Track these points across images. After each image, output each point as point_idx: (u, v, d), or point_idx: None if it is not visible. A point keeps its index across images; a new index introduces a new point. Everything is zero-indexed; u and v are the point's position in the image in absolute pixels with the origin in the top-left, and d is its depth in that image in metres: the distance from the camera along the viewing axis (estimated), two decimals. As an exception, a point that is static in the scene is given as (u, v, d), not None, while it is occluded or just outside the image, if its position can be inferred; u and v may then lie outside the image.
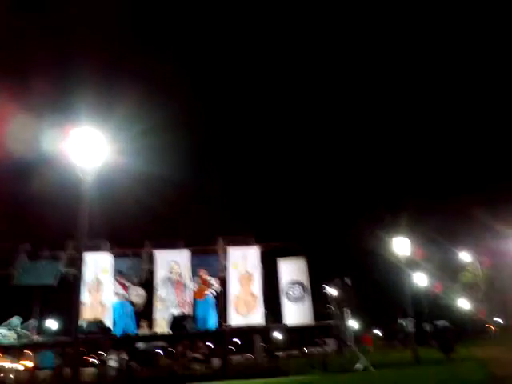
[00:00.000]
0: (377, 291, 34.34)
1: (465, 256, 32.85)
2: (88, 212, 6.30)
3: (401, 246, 13.76)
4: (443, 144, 45.61)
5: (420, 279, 27.08)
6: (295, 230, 32.32)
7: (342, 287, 11.35)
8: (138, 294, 13.96)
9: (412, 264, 19.21)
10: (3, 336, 12.11)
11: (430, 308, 26.29)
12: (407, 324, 14.15)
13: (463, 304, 34.44)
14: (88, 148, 5.93)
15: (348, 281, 11.46)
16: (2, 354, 15.19)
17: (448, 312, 29.19)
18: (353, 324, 13.78)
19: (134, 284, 14.21)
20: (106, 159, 6.28)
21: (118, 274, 14.00)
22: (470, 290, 33.19)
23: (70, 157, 5.95)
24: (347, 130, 51.19)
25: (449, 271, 32.55)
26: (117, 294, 13.68)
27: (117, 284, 13.74)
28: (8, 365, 14.16)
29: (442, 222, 29.70)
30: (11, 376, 12.90)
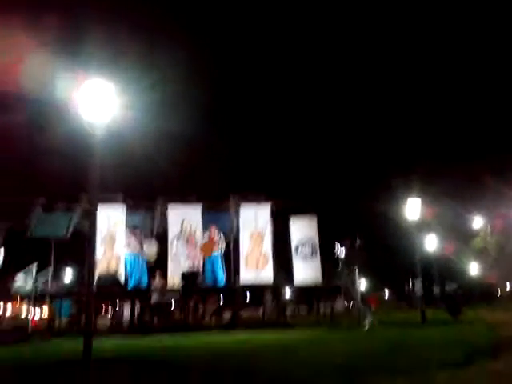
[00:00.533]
0: (387, 253, 34.52)
1: (476, 221, 32.71)
2: (99, 165, 6.30)
3: (412, 208, 13.70)
4: (458, 107, 44.53)
5: (431, 242, 27.10)
6: (307, 189, 32.27)
7: (351, 247, 11.41)
8: (150, 248, 14.20)
9: (423, 227, 19.19)
10: (21, 285, 12.50)
11: (439, 271, 26.42)
12: (416, 285, 14.25)
13: (473, 268, 34.56)
14: (98, 101, 5.87)
15: (358, 241, 11.52)
16: (21, 302, 15.72)
17: (458, 276, 29.33)
18: (361, 284, 13.91)
19: (147, 238, 14.43)
20: (116, 112, 6.23)
21: (132, 227, 14.19)
22: (480, 255, 33.23)
23: (80, 109, 5.90)
24: (361, 90, 50.09)
25: (460, 236, 32.47)
26: (130, 246, 13.88)
27: (130, 237, 13.94)
28: (26, 313, 14.68)
29: (454, 186, 29.42)
30: (30, 324, 13.36)
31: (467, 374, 4.26)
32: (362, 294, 12.62)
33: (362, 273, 13.07)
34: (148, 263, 14.31)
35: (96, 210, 6.49)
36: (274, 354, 6.38)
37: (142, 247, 14.08)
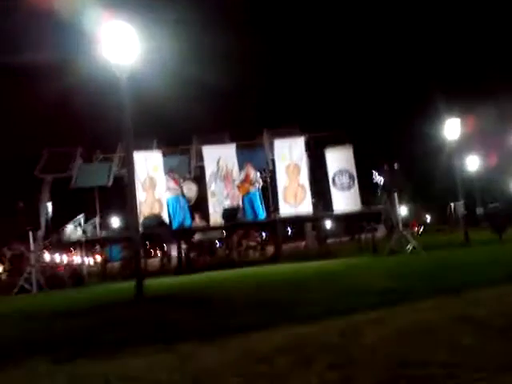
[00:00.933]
0: (426, 176, 33.95)
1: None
2: (131, 111, 6.33)
3: (452, 128, 13.24)
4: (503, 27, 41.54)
5: (472, 162, 26.43)
6: (341, 118, 31.64)
7: (390, 172, 11.23)
8: (189, 189, 14.43)
9: (463, 147, 18.62)
10: (71, 233, 13.09)
11: (481, 191, 25.91)
12: (459, 207, 14.04)
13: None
14: (121, 42, 5.80)
15: (396, 166, 11.31)
16: (74, 250, 16.53)
17: (501, 195, 28.66)
18: (402, 209, 13.80)
19: (186, 179, 14.64)
20: (141, 56, 6.16)
21: (170, 170, 14.39)
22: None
23: (104, 50, 5.86)
24: (396, 13, 47.33)
25: (502, 154, 31.45)
26: (170, 189, 14.13)
27: (169, 180, 14.16)
28: (80, 259, 15.48)
29: (496, 103, 28.16)
30: (84, 269, 14.12)
31: (510, 289, 4.25)
32: (403, 219, 12.57)
33: (402, 197, 12.96)
34: (189, 204, 14.61)
35: (132, 153, 6.57)
36: (317, 282, 6.53)
37: (181, 189, 14.30)
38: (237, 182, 14.40)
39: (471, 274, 5.21)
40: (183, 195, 14.27)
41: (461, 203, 13.89)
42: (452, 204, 24.15)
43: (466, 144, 19.73)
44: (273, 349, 2.96)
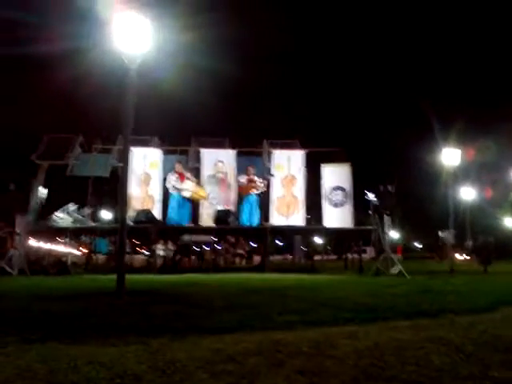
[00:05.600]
0: (420, 202, 34.10)
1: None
2: (135, 103, 6.35)
3: (450, 156, 13.35)
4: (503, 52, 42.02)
5: (466, 193, 26.51)
6: (341, 136, 31.84)
7: (384, 194, 11.28)
8: (189, 188, 14.10)
9: (459, 177, 18.74)
10: (60, 219, 13.01)
11: (473, 223, 26.02)
12: (447, 236, 14.11)
13: (509, 223, 33.80)
14: (133, 33, 5.84)
15: (391, 188, 11.36)
16: (60, 237, 16.42)
17: (492, 228, 28.77)
18: (392, 233, 13.85)
19: (188, 179, 14.30)
20: (151, 48, 6.20)
21: (178, 161, 14.20)
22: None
23: (116, 43, 5.89)
24: (397, 33, 47.82)
25: (498, 188, 31.63)
26: (171, 185, 13.86)
27: (174, 175, 13.98)
28: (66, 249, 15.40)
29: (495, 136, 28.43)
30: (69, 259, 14.03)
31: (486, 318, 4.30)
32: (391, 242, 12.60)
33: (394, 222, 12.99)
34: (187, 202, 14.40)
35: (128, 145, 6.55)
36: (297, 292, 6.55)
37: (183, 186, 13.97)
38: (241, 181, 14.28)
39: (450, 301, 5.25)
40: (183, 194, 13.92)
41: (450, 232, 13.96)
42: (442, 233, 24.26)
43: (462, 174, 19.88)
44: (244, 350, 2.97)
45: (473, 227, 25.44)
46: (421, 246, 47.94)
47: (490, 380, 2.35)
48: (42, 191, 13.12)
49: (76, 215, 13.50)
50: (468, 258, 20.23)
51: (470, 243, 23.81)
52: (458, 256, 17.11)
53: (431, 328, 3.77)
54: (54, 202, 14.36)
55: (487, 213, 30.20)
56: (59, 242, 18.17)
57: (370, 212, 12.06)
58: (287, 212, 14.63)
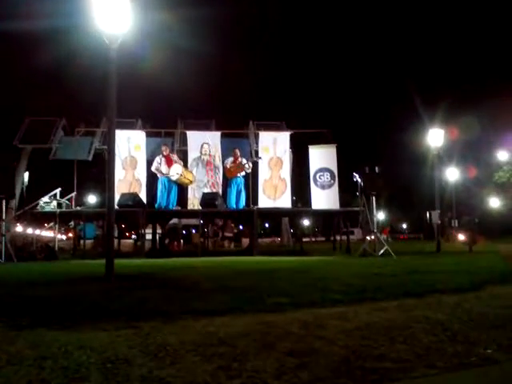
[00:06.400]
0: (406, 183, 34.38)
1: (501, 155, 32.01)
2: (117, 83, 6.25)
3: (435, 137, 13.43)
4: (495, 36, 42.16)
5: (452, 174, 26.79)
6: (327, 118, 31.82)
7: (370, 176, 11.33)
8: (178, 172, 13.98)
9: (445, 157, 18.90)
10: (45, 204, 12.88)
11: (458, 203, 26.36)
12: (433, 216, 14.27)
13: (494, 203, 34.31)
14: (113, 11, 5.72)
15: (377, 170, 11.42)
16: (46, 222, 16.27)
17: (477, 208, 29.22)
18: (379, 214, 13.98)
19: (175, 162, 14.15)
20: (132, 27, 6.09)
21: (164, 144, 14.03)
22: (502, 189, 32.85)
23: (97, 22, 5.77)
24: (381, 13, 47.61)
25: (483, 168, 32.01)
26: (155, 168, 13.77)
27: (162, 158, 13.86)
28: (52, 234, 15.28)
29: (480, 116, 28.66)
30: (55, 244, 13.92)
31: (472, 296, 4.39)
32: (378, 223, 12.72)
33: (381, 203, 13.12)
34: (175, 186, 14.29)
35: (114, 127, 6.46)
36: (286, 274, 6.60)
37: (171, 170, 13.80)
38: (227, 164, 14.22)
39: (436, 280, 5.32)
40: (170, 177, 13.75)
41: (436, 212, 14.11)
42: (428, 213, 24.56)
43: (447, 154, 20.05)
44: (235, 333, 2.99)
45: (458, 207, 25.80)
46: (408, 227, 48.49)
47: (476, 356, 2.40)
48: (24, 175, 12.96)
49: (61, 200, 13.38)
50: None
51: (455, 223, 24.17)
52: (460, 237, 17.24)
53: (419, 308, 3.82)
54: (39, 187, 14.20)
55: (472, 192, 30.59)
56: (46, 228, 18.01)
57: (358, 193, 12.12)
58: (274, 194, 14.66)
